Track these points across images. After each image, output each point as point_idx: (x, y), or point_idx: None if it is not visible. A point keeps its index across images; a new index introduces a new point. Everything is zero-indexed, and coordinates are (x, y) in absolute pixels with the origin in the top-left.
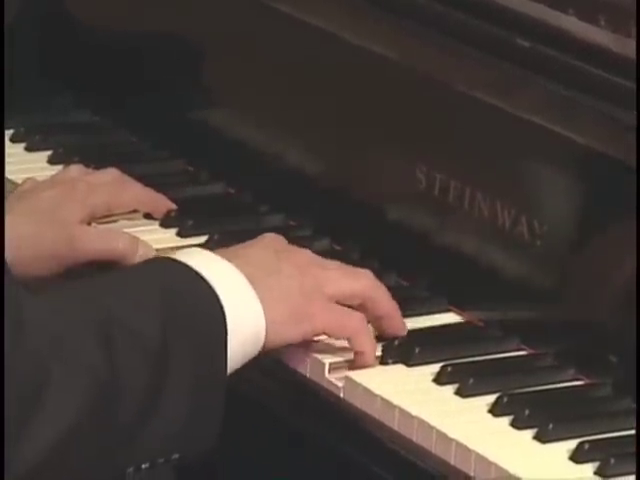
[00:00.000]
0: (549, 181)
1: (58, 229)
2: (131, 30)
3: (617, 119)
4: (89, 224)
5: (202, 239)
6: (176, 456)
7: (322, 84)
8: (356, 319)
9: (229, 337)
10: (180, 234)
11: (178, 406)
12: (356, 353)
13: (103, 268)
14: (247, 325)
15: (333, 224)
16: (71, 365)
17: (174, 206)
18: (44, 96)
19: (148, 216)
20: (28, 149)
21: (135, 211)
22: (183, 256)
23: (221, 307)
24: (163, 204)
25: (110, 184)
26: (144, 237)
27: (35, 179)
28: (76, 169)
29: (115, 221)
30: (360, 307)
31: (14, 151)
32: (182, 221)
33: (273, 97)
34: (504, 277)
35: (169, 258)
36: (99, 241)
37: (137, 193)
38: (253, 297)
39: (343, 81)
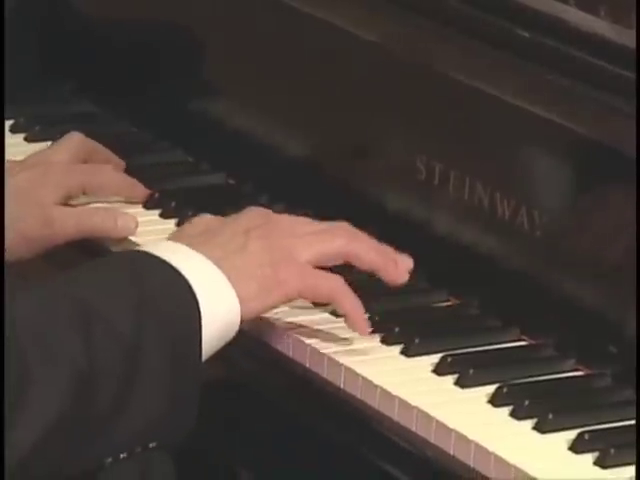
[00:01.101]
0: (549, 171)
1: (35, 211)
2: (132, 21)
3: (617, 109)
4: (68, 205)
5: None
6: (153, 444)
7: (322, 75)
8: (329, 279)
9: (203, 323)
10: (161, 215)
11: (153, 394)
12: (345, 317)
13: (84, 247)
14: (221, 310)
15: (333, 214)
16: (53, 359)
17: (147, 191)
18: (44, 86)
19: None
20: (28, 139)
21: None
22: (152, 248)
23: (193, 294)
24: (138, 189)
25: (83, 169)
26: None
27: (10, 160)
28: (43, 149)
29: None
30: (349, 266)
31: (14, 141)
32: (182, 212)
33: (273, 88)
34: (504, 267)
35: (140, 251)
36: (77, 219)
37: (111, 179)
38: (223, 282)
39: (343, 71)
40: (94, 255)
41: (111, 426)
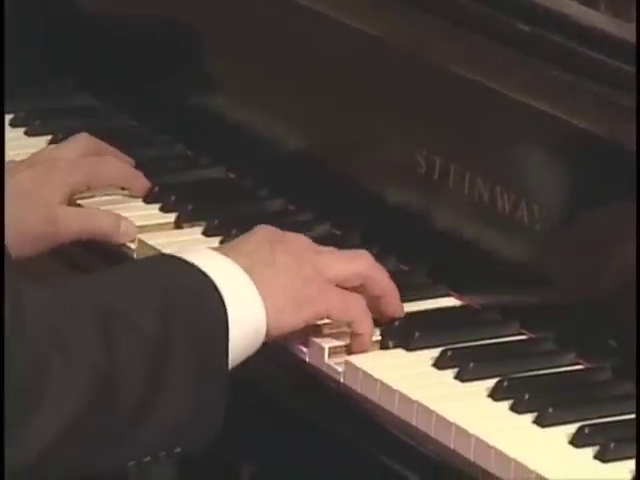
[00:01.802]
0: (549, 166)
1: (40, 210)
2: (132, 15)
3: (617, 103)
4: (71, 202)
5: (202, 224)
6: (178, 450)
7: (322, 68)
8: (358, 301)
9: (230, 330)
10: (161, 209)
11: (179, 400)
12: (354, 335)
13: (88, 247)
14: (247, 318)
15: (333, 209)
16: (71, 356)
17: (149, 184)
18: (44, 80)
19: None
20: (28, 133)
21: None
22: (181, 253)
23: (222, 300)
24: (140, 181)
25: (88, 162)
26: (127, 213)
27: (14, 160)
28: (50, 147)
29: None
30: (358, 289)
31: (14, 135)
32: (182, 206)
33: (273, 82)
34: (504, 262)
35: (168, 254)
36: (81, 221)
37: (116, 169)
38: (252, 290)
39: (343, 66)
40: (100, 253)
41: (135, 428)
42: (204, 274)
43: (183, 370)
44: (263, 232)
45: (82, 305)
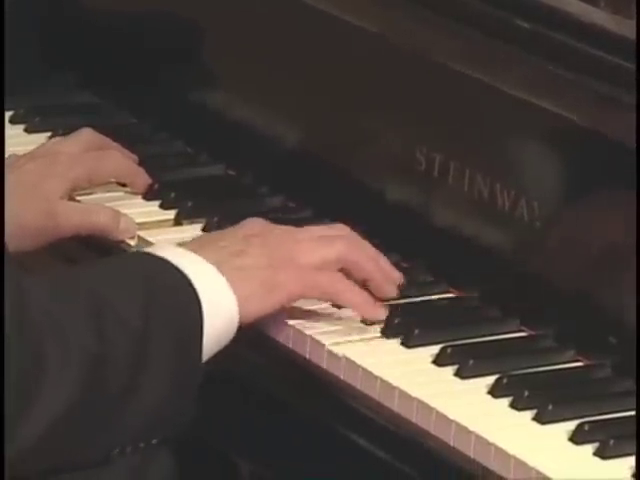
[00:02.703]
0: (548, 163)
1: (40, 204)
2: (132, 12)
3: (617, 100)
4: (71, 198)
5: (201, 221)
6: (155, 440)
7: (322, 66)
8: (329, 277)
9: (204, 321)
10: (161, 206)
11: (159, 384)
12: (354, 310)
13: (85, 243)
14: (221, 312)
15: (333, 206)
16: (66, 341)
17: (150, 180)
18: (44, 77)
19: (130, 188)
20: (28, 130)
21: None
22: (158, 251)
23: (196, 294)
24: (142, 177)
25: (90, 156)
26: (127, 210)
27: (16, 154)
28: (53, 141)
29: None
30: (346, 272)
31: (14, 132)
32: (182, 203)
33: (272, 79)
34: (504, 258)
35: (148, 252)
36: (81, 216)
37: (118, 164)
38: (224, 284)
39: (343, 63)
40: (98, 249)
41: (121, 413)
42: (181, 272)
43: (162, 357)
44: (247, 226)
45: (75, 295)
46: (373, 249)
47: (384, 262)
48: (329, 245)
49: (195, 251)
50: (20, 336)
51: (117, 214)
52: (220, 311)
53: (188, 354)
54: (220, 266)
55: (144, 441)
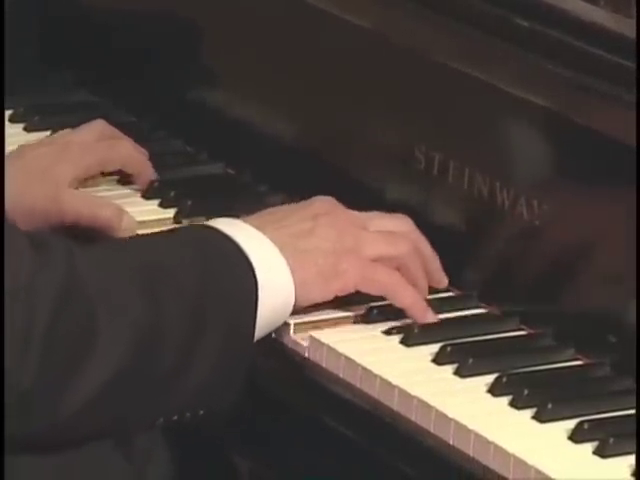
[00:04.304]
0: (548, 161)
1: (49, 188)
2: (131, 10)
3: (617, 99)
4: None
5: (201, 220)
6: (201, 412)
7: (321, 64)
8: (389, 274)
9: (259, 303)
10: (161, 205)
11: (208, 362)
12: (406, 311)
13: (85, 235)
14: (276, 294)
15: None
16: (117, 314)
17: (156, 176)
18: (43, 76)
19: (130, 187)
20: (27, 129)
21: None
22: (219, 224)
23: (254, 276)
24: (149, 171)
25: (103, 145)
26: (126, 209)
27: (24, 144)
28: (65, 131)
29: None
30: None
31: (13, 131)
32: (181, 202)
33: (272, 77)
34: (503, 257)
35: (206, 225)
36: (85, 206)
37: (129, 154)
38: (284, 266)
39: (341, 61)
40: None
41: (171, 383)
42: (240, 249)
43: (214, 337)
44: (317, 205)
45: (127, 264)
46: (430, 251)
47: (436, 268)
48: (394, 243)
49: (260, 228)
50: (69, 305)
51: (121, 211)
52: (276, 293)
53: (240, 330)
54: (283, 247)
55: (191, 412)
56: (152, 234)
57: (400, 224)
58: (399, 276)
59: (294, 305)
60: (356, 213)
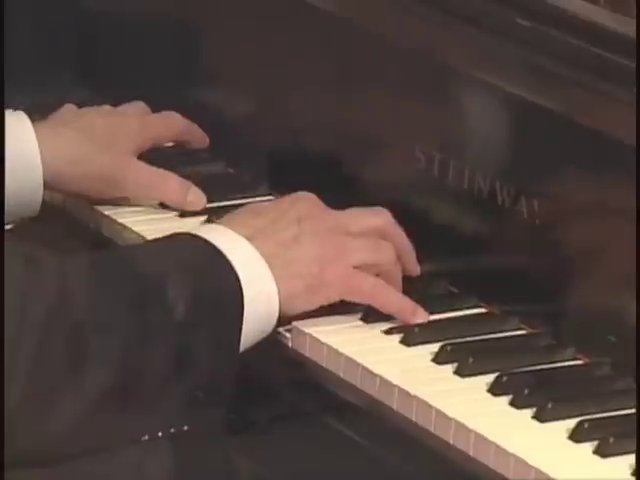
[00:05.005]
0: (548, 160)
1: (114, 156)
2: (131, 9)
3: (617, 98)
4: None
5: (201, 219)
6: (185, 427)
7: (322, 64)
8: (372, 283)
9: (244, 320)
10: (180, 215)
11: (195, 380)
12: (396, 315)
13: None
14: (261, 308)
15: (333, 204)
16: (105, 335)
17: (206, 135)
18: (44, 76)
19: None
20: None
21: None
22: (206, 233)
23: (241, 290)
24: (200, 133)
25: (158, 117)
26: (129, 209)
27: (73, 106)
28: (105, 107)
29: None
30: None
31: None
32: None
33: (273, 77)
34: (503, 256)
35: (193, 235)
36: (151, 177)
37: (182, 124)
38: (270, 280)
39: (343, 61)
40: (82, 238)
41: (156, 401)
42: (228, 262)
43: (202, 350)
44: (299, 205)
45: (118, 281)
46: (408, 243)
47: (411, 260)
48: (378, 251)
49: (251, 240)
50: (58, 326)
51: (186, 184)
52: (262, 307)
53: (226, 346)
54: (270, 260)
55: (176, 428)
56: (141, 245)
57: (379, 218)
58: (383, 283)
59: (278, 317)
60: (337, 214)
